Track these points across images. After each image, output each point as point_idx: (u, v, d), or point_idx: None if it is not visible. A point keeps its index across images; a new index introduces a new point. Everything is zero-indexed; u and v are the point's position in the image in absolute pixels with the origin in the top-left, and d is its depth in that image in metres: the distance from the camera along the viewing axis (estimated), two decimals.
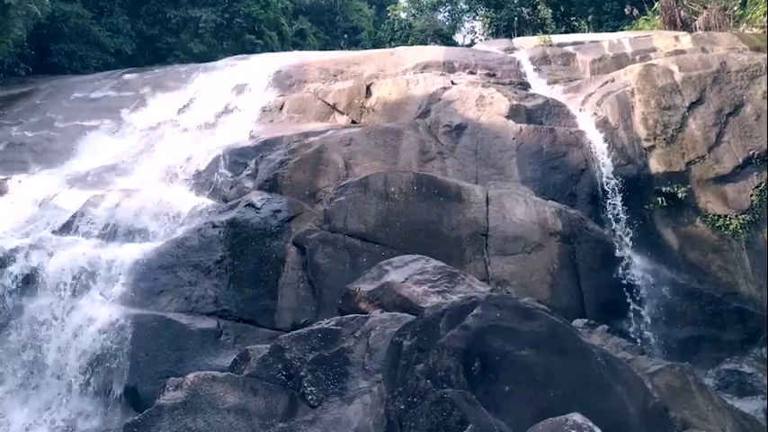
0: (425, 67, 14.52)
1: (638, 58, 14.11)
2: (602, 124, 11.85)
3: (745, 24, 16.31)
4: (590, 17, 23.72)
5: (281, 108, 13.98)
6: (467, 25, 29.24)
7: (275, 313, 9.30)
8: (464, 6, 28.56)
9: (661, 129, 11.63)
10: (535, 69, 14.77)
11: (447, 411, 4.84)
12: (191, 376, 6.20)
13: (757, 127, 11.46)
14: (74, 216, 10.21)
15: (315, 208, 10.36)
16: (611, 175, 11.12)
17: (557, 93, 13.48)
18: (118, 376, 8.22)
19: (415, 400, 5.17)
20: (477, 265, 9.64)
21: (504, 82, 14.02)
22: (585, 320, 8.56)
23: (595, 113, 12.11)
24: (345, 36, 33.38)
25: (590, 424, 4.52)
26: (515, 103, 12.27)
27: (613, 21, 22.55)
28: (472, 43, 25.06)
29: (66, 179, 11.51)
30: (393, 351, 5.90)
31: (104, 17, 20.73)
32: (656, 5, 19.05)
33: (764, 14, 15.54)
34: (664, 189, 11.15)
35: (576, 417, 4.60)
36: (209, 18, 22.06)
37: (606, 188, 11.06)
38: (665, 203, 11.09)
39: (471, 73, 14.33)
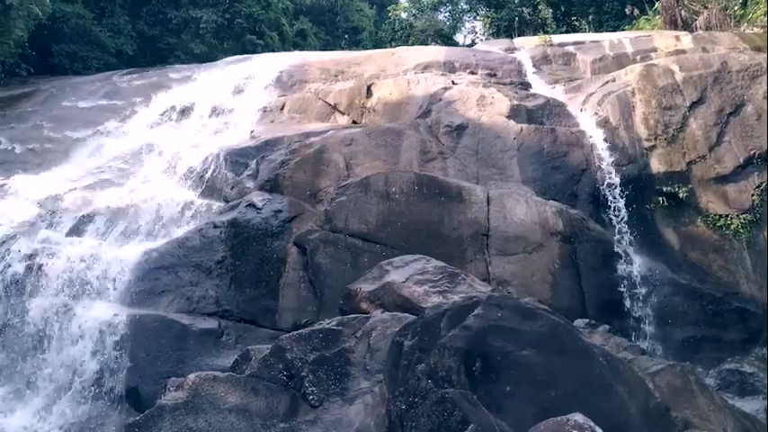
0: (426, 68, 14.52)
1: (638, 57, 14.11)
2: (603, 124, 11.86)
3: (745, 24, 16.30)
4: (591, 17, 23.73)
5: (282, 108, 13.98)
6: (467, 25, 29.31)
7: (276, 313, 9.30)
8: (465, 6, 28.59)
9: (662, 128, 11.63)
10: (536, 69, 14.77)
11: (448, 411, 4.83)
12: (192, 376, 6.20)
13: (758, 127, 11.46)
14: (75, 216, 10.22)
15: (316, 208, 10.36)
16: (613, 175, 11.12)
17: (557, 93, 13.48)
18: (119, 376, 8.23)
19: (417, 400, 5.17)
20: (478, 265, 9.64)
21: (504, 82, 14.02)
22: (587, 320, 8.55)
23: (596, 113, 12.12)
24: (346, 36, 33.40)
25: (591, 424, 4.52)
26: (516, 103, 12.27)
27: (614, 20, 22.55)
28: (473, 43, 25.06)
29: (68, 179, 11.52)
30: (394, 351, 5.90)
31: (105, 18, 20.75)
32: (656, 5, 19.04)
33: (765, 14, 15.53)
34: (665, 189, 11.15)
35: (578, 417, 4.60)
36: (209, 18, 22.08)
37: (607, 188, 11.06)
38: (666, 203, 11.09)
39: (472, 73, 14.33)
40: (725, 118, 11.67)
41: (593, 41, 15.83)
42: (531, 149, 11.47)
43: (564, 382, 5.18)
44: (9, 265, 9.13)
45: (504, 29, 24.57)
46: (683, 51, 13.77)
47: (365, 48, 27.66)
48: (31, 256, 9.26)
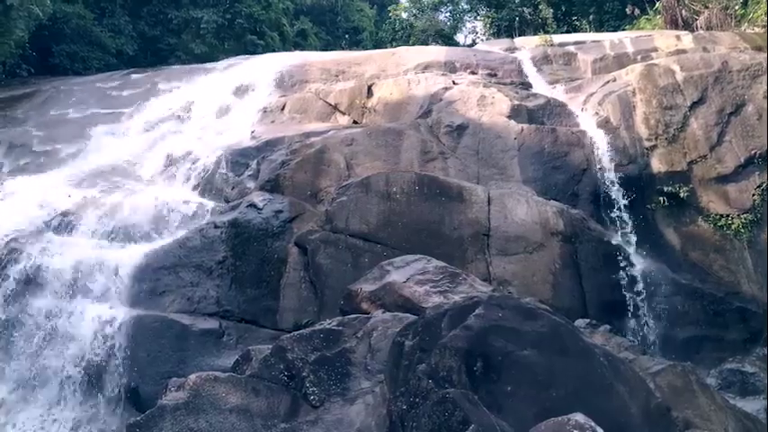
0: (427, 68, 14.51)
1: (639, 57, 14.10)
2: (604, 124, 11.85)
3: (746, 24, 16.29)
4: (591, 17, 23.71)
5: (283, 108, 13.98)
6: (468, 25, 29.29)
7: (277, 314, 9.31)
8: (465, 6, 28.57)
9: (663, 128, 11.62)
10: (536, 69, 14.76)
11: (449, 411, 4.83)
12: (193, 377, 6.20)
13: (759, 126, 11.45)
14: (76, 217, 10.22)
15: (316, 208, 10.36)
16: (613, 175, 11.11)
17: (558, 92, 13.48)
18: (120, 377, 8.24)
19: (417, 400, 5.17)
20: (479, 265, 9.64)
21: (505, 82, 14.01)
22: (587, 320, 8.55)
23: (597, 113, 12.11)
24: (347, 36, 33.39)
25: (592, 424, 4.52)
26: (517, 103, 12.27)
27: (615, 20, 22.54)
28: (473, 43, 25.06)
29: (69, 180, 11.51)
30: (395, 351, 5.90)
31: (106, 18, 20.75)
32: (657, 5, 19.03)
33: (766, 14, 15.52)
34: (665, 189, 11.14)
35: (579, 417, 4.60)
36: (210, 19, 22.08)
37: (608, 188, 11.05)
38: (666, 203, 11.08)
39: (473, 73, 14.33)
40: (726, 118, 11.67)
41: (593, 41, 15.82)
42: (532, 149, 11.47)
43: (565, 382, 5.18)
44: (10, 266, 9.13)
45: (505, 29, 24.56)
46: (684, 51, 13.77)
47: (366, 48, 27.66)
48: (31, 257, 9.26)
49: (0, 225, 9.88)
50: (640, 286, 10.08)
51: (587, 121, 12.07)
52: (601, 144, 11.48)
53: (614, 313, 9.72)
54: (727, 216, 11.01)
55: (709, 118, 11.68)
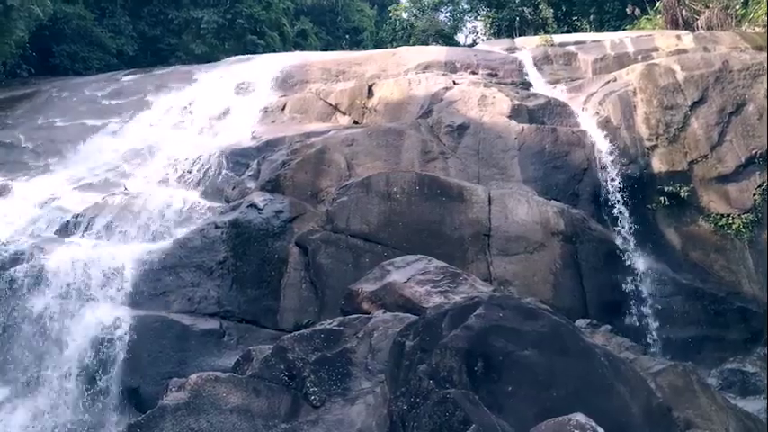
0: (427, 68, 14.51)
1: (639, 57, 14.08)
2: (605, 124, 11.84)
3: (747, 23, 16.28)
4: (592, 17, 23.70)
5: (283, 108, 13.98)
6: (468, 25, 29.27)
7: (278, 314, 9.31)
8: (466, 6, 28.56)
9: (663, 128, 11.61)
10: (537, 69, 14.74)
11: (450, 411, 4.83)
12: (193, 377, 6.21)
13: (760, 126, 11.44)
14: (76, 217, 10.23)
15: (317, 208, 10.36)
16: (614, 175, 11.11)
17: (559, 92, 13.47)
18: (120, 377, 8.23)
19: (418, 400, 5.17)
20: (480, 265, 9.64)
21: (505, 82, 14.01)
22: (588, 320, 8.55)
23: (597, 113, 12.10)
24: (347, 36, 33.39)
25: (593, 424, 4.52)
26: (517, 102, 12.26)
27: (615, 20, 22.52)
28: (474, 43, 25.05)
29: (69, 180, 11.52)
30: (396, 351, 5.90)
31: (106, 18, 20.77)
32: (657, 5, 19.02)
33: (766, 13, 15.51)
34: (666, 188, 11.14)
35: (579, 417, 4.60)
36: (210, 19, 22.09)
37: (608, 188, 11.05)
38: (667, 203, 11.07)
39: (473, 73, 14.32)
40: (726, 117, 11.66)
41: (594, 41, 15.82)
42: (533, 149, 11.46)
43: (565, 382, 5.18)
44: (10, 266, 9.13)
45: (506, 29, 24.55)
46: (685, 51, 13.76)
47: (366, 48, 27.65)
48: (32, 257, 9.26)
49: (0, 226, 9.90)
50: (641, 286, 10.08)
51: (588, 121, 12.06)
52: (601, 144, 11.48)
53: (615, 313, 9.72)
54: (728, 216, 11.00)
55: (710, 118, 11.68)
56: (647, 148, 11.50)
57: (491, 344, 5.31)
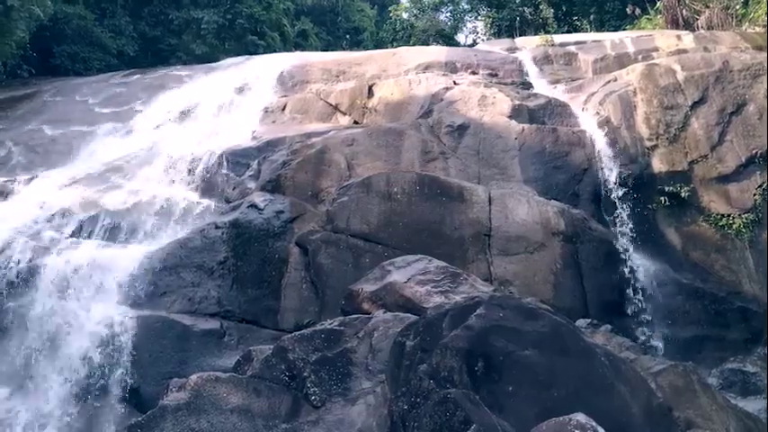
0: (427, 68, 14.51)
1: (640, 57, 14.09)
2: (605, 124, 11.84)
3: (747, 23, 16.29)
4: (592, 17, 23.70)
5: (284, 109, 13.99)
6: (469, 25, 29.31)
7: (278, 314, 9.30)
8: (466, 6, 28.58)
9: (663, 128, 11.61)
10: (537, 69, 14.75)
11: (450, 411, 4.83)
12: (194, 377, 6.21)
13: (760, 126, 11.45)
14: (77, 217, 10.22)
15: (317, 208, 10.36)
16: (614, 175, 11.11)
17: (559, 92, 13.47)
18: (121, 377, 8.23)
19: (419, 400, 5.17)
20: (480, 266, 9.64)
21: (506, 82, 14.01)
22: (588, 320, 8.55)
23: (598, 113, 12.10)
24: (347, 36, 33.39)
25: (593, 424, 4.52)
26: (518, 102, 12.26)
27: (615, 20, 22.54)
28: (474, 43, 25.06)
29: (70, 180, 11.52)
30: (396, 351, 5.90)
31: (107, 19, 20.77)
32: (658, 5, 19.03)
33: (766, 13, 15.51)
34: (666, 188, 11.14)
35: (580, 417, 4.60)
36: (211, 19, 22.08)
37: (609, 188, 11.05)
38: (667, 203, 11.08)
39: (473, 73, 14.32)
40: (726, 117, 11.66)
41: (594, 41, 15.82)
42: (533, 149, 11.46)
43: (566, 382, 5.18)
44: (11, 267, 9.13)
45: (506, 29, 24.56)
46: (685, 51, 13.76)
47: (366, 48, 27.65)
48: (32, 258, 9.27)
49: (0, 225, 9.90)
50: (641, 286, 10.08)
51: (588, 121, 12.06)
52: (602, 144, 11.48)
53: (615, 313, 9.72)
54: (729, 216, 11.00)
55: (710, 118, 11.68)
56: (648, 148, 11.50)
57: (491, 344, 5.31)
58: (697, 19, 17.31)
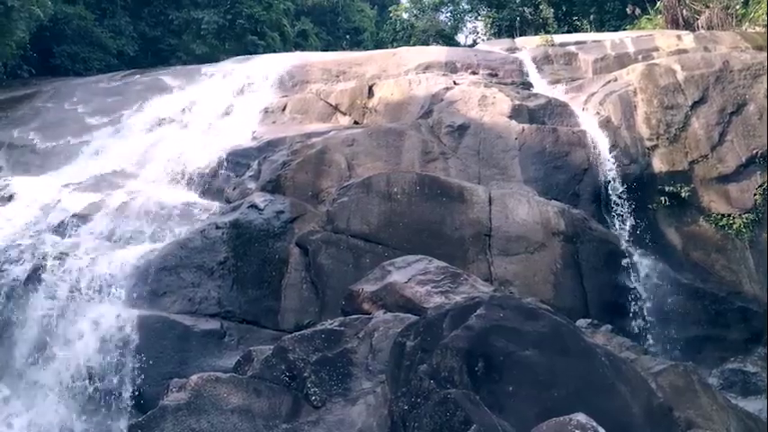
0: (428, 68, 14.51)
1: (640, 57, 14.10)
2: (605, 124, 11.84)
3: (747, 23, 16.29)
4: (592, 17, 23.72)
5: (284, 109, 13.99)
6: (469, 25, 29.31)
7: (278, 314, 9.30)
8: (466, 6, 28.57)
9: (664, 128, 11.61)
10: (537, 69, 14.76)
11: (450, 412, 4.83)
12: (194, 377, 6.20)
13: (760, 126, 11.45)
14: (77, 218, 10.22)
15: (318, 209, 10.35)
16: (615, 175, 11.11)
17: (559, 92, 13.47)
18: (121, 377, 8.23)
19: (419, 400, 5.17)
20: (480, 266, 9.63)
21: (506, 82, 14.01)
22: (589, 320, 8.54)
23: (598, 113, 12.10)
24: (347, 37, 33.38)
25: (594, 424, 4.52)
26: (518, 102, 12.26)
27: (615, 20, 22.54)
28: (474, 43, 25.06)
29: (70, 181, 11.52)
30: (396, 352, 5.90)
31: (107, 19, 20.76)
32: (658, 5, 19.03)
33: (766, 13, 15.51)
34: (667, 188, 11.14)
35: (580, 417, 4.60)
36: (211, 19, 22.08)
37: (609, 188, 11.05)
38: (668, 203, 11.08)
39: (473, 73, 14.33)
40: (727, 117, 11.66)
41: (594, 41, 15.83)
42: (533, 149, 11.46)
43: (566, 383, 5.17)
44: (11, 268, 9.13)
45: (506, 29, 24.56)
46: (685, 51, 13.76)
47: (366, 48, 27.64)
48: (32, 258, 9.26)
49: (1, 226, 9.90)
50: (642, 286, 10.07)
51: (588, 121, 12.06)
52: (602, 144, 11.48)
53: (616, 313, 9.71)
54: (729, 216, 11.01)
55: (711, 117, 11.68)
56: (648, 148, 11.50)
57: (492, 344, 5.31)
58: (697, 19, 17.32)
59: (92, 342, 8.41)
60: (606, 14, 23.46)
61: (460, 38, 29.38)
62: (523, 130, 11.68)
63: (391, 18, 29.10)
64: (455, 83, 13.52)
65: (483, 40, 25.11)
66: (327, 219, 9.96)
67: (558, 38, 16.76)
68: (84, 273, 9.14)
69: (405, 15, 29.19)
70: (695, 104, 11.82)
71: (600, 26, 22.46)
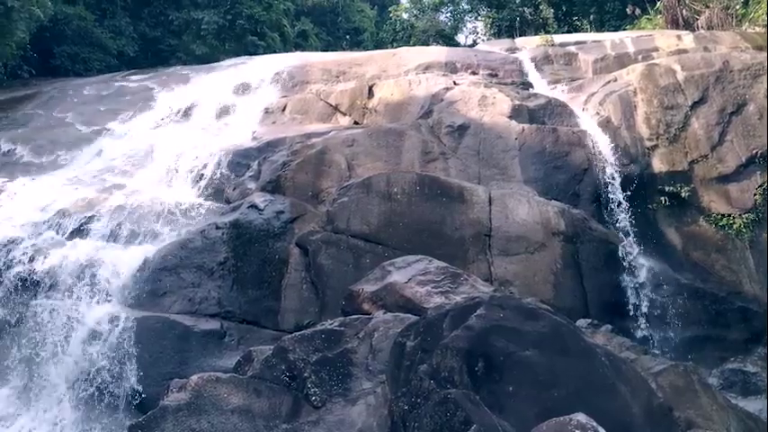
0: (428, 68, 14.52)
1: (640, 57, 14.10)
2: (605, 124, 11.84)
3: (747, 23, 16.29)
4: (592, 17, 23.73)
5: (284, 109, 14.00)
6: (469, 25, 29.33)
7: (278, 314, 9.30)
8: (466, 7, 28.59)
9: (664, 128, 11.61)
10: (537, 69, 14.76)
11: (451, 412, 4.83)
12: (194, 377, 6.21)
13: (760, 126, 11.45)
14: (77, 218, 10.22)
15: (318, 209, 10.36)
16: (615, 175, 11.10)
17: (559, 92, 13.48)
18: (121, 378, 8.23)
19: (419, 400, 5.17)
20: (481, 266, 9.63)
21: (506, 82, 14.02)
22: (589, 320, 8.54)
23: (598, 113, 12.10)
24: (347, 37, 33.39)
25: (594, 424, 4.52)
26: (518, 103, 12.26)
27: (615, 20, 22.55)
28: (474, 43, 25.06)
29: (70, 181, 11.52)
30: (396, 352, 5.90)
31: (107, 19, 20.78)
32: (658, 5, 19.04)
33: (766, 13, 15.51)
34: (667, 188, 11.14)
35: (580, 417, 4.60)
36: (211, 20, 22.09)
37: (609, 188, 11.04)
38: (668, 203, 11.08)
39: (473, 73, 14.33)
40: (727, 117, 11.66)
41: (594, 41, 15.83)
42: (533, 149, 11.46)
43: (566, 382, 5.17)
44: (11, 267, 9.14)
45: (506, 29, 24.58)
46: (685, 51, 13.77)
47: (366, 48, 27.64)
48: (33, 258, 9.27)
49: (0, 226, 9.90)
50: (642, 286, 10.07)
51: (588, 121, 12.06)
52: (602, 144, 11.47)
53: (616, 313, 9.71)
54: (729, 216, 11.01)
55: (711, 117, 11.68)
56: (648, 148, 11.50)
57: (492, 344, 5.31)
58: (697, 19, 17.32)
59: (91, 342, 8.41)
60: (606, 14, 23.47)
61: (460, 38, 29.44)
62: (523, 130, 11.67)
63: (391, 18, 29.11)
64: (455, 83, 13.52)
65: (483, 40, 25.13)
66: (327, 219, 9.96)
67: (558, 38, 16.77)
68: (83, 273, 9.15)
69: (405, 15, 29.21)
70: (695, 104, 11.82)
71: (600, 26, 22.47)
